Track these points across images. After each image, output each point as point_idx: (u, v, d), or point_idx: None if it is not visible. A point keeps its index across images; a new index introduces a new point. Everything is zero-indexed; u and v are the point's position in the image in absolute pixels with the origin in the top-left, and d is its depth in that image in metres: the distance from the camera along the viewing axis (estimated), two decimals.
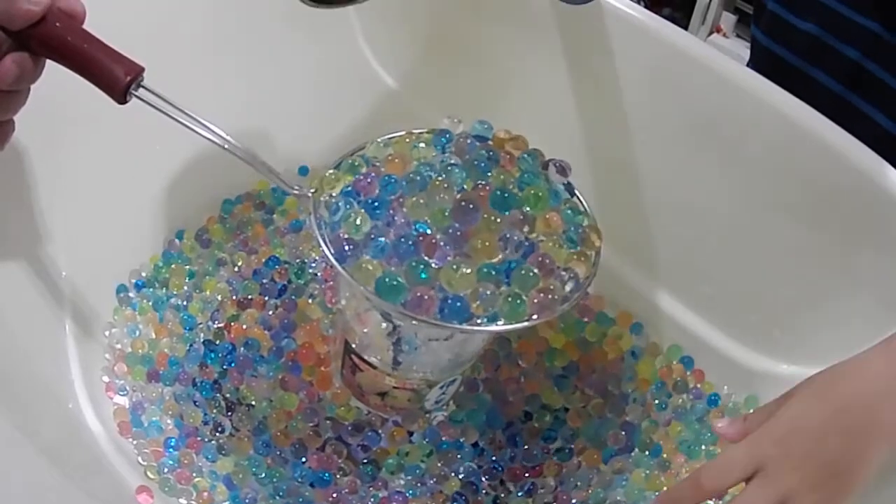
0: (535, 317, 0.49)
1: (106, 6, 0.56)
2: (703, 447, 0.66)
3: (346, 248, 0.49)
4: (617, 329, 0.74)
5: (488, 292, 0.48)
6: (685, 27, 1.72)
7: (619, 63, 0.71)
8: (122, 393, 0.67)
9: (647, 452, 0.66)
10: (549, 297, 0.49)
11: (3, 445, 0.52)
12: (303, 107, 0.81)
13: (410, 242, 0.49)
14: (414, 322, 0.48)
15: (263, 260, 0.75)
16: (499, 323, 0.49)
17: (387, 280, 0.47)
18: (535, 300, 0.49)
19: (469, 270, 0.48)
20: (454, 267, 0.48)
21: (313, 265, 0.76)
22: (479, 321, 0.48)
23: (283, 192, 0.80)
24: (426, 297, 0.47)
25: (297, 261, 0.76)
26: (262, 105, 0.79)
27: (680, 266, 0.74)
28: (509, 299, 0.48)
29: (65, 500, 0.54)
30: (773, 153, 0.65)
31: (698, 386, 0.71)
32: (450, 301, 0.48)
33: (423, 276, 0.48)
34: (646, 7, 1.76)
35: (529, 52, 0.76)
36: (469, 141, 0.54)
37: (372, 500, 0.62)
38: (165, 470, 0.62)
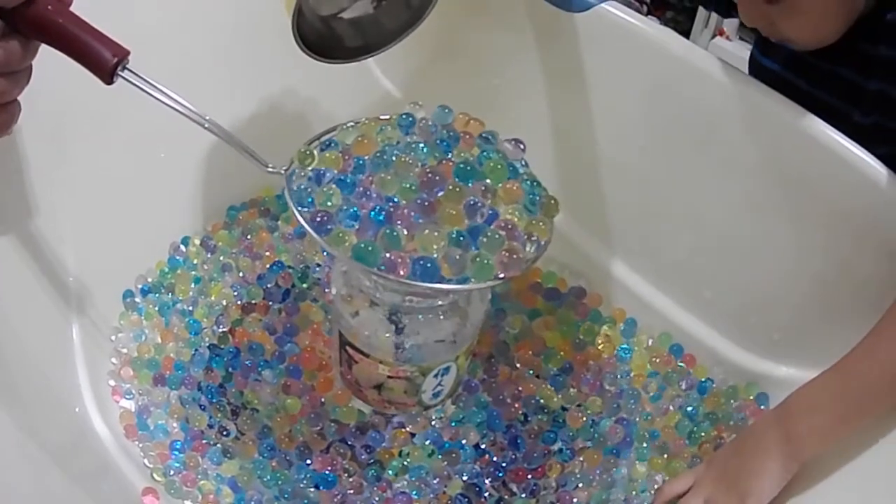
0: (501, 275, 0.51)
1: (112, 5, 0.57)
2: (703, 434, 0.67)
3: (322, 220, 0.52)
4: (612, 327, 0.75)
5: (457, 256, 0.50)
6: (688, 30, 1.71)
7: (620, 70, 0.72)
8: (128, 397, 0.68)
9: (644, 444, 0.67)
10: (514, 255, 0.51)
11: (11, 448, 0.53)
12: (303, 113, 0.82)
13: (382, 213, 0.51)
14: (393, 281, 0.50)
15: (268, 265, 0.76)
16: (471, 283, 0.51)
17: (362, 245, 0.50)
18: (502, 260, 0.51)
19: (438, 233, 0.51)
20: (424, 231, 0.51)
21: (317, 269, 0.76)
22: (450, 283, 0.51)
23: None
24: (399, 259, 0.50)
25: (301, 266, 0.76)
26: (261, 110, 0.79)
27: (680, 270, 0.74)
28: (477, 260, 0.51)
29: (72, 502, 0.55)
30: (771, 157, 0.65)
31: (690, 371, 0.72)
32: (421, 262, 0.50)
33: (395, 241, 0.50)
34: (648, 11, 1.75)
35: (531, 61, 0.77)
36: (431, 123, 0.57)
37: (376, 500, 0.63)
38: (171, 472, 0.63)
